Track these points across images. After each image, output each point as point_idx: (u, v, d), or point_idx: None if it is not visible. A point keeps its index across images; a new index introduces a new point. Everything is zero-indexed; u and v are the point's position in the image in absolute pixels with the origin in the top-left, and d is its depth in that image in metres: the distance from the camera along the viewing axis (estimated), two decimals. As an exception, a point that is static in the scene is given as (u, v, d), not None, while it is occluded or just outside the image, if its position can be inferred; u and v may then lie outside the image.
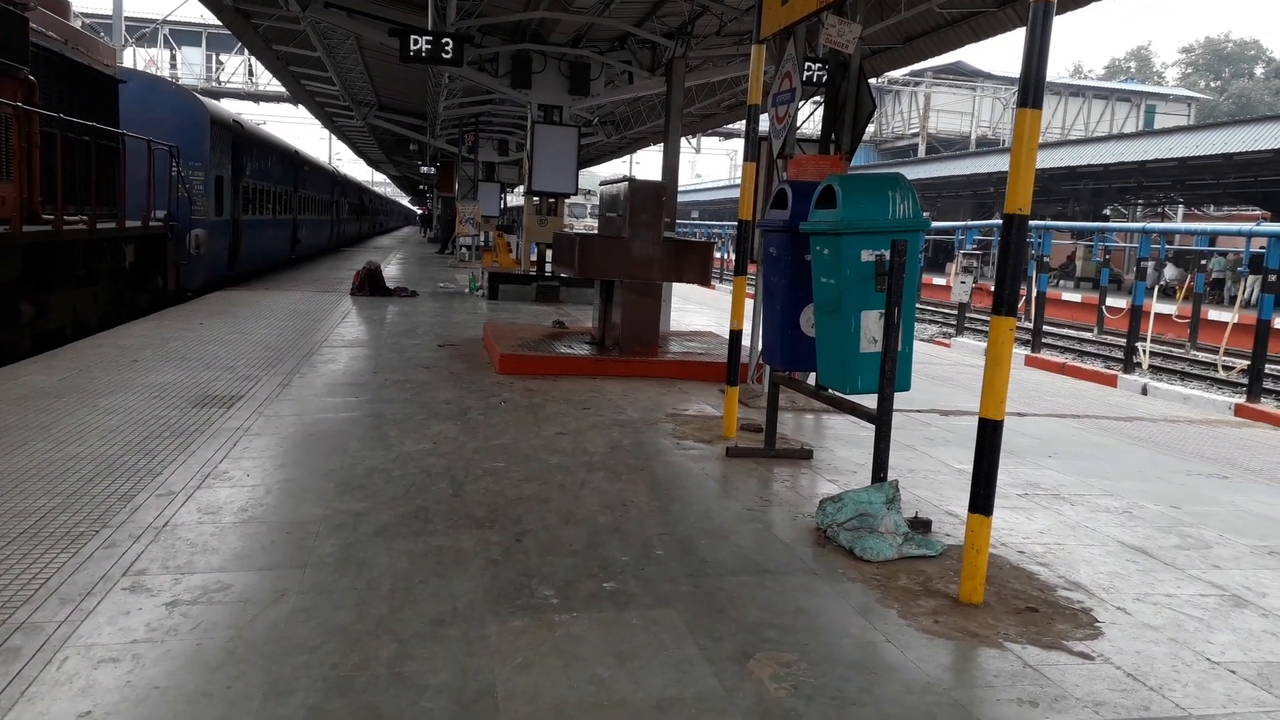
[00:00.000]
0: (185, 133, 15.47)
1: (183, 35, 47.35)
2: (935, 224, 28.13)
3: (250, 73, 46.38)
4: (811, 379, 6.25)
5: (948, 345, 17.27)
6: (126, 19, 36.56)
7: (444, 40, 12.21)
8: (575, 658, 3.18)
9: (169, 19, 43.44)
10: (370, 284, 16.38)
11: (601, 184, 11.42)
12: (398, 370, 8.71)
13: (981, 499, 3.74)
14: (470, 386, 8.04)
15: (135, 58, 41.85)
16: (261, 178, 20.48)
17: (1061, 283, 35.46)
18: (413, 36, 12.17)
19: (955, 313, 22.23)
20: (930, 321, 27.39)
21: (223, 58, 47.96)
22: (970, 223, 29.02)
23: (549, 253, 16.60)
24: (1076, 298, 28.99)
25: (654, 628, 3.45)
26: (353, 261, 20.88)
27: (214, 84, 47.51)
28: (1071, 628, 3.70)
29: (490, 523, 4.51)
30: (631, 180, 9.59)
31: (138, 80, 15.49)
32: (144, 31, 42.99)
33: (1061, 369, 14.35)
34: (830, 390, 5.31)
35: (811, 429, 7.24)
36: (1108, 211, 41.97)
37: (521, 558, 4.07)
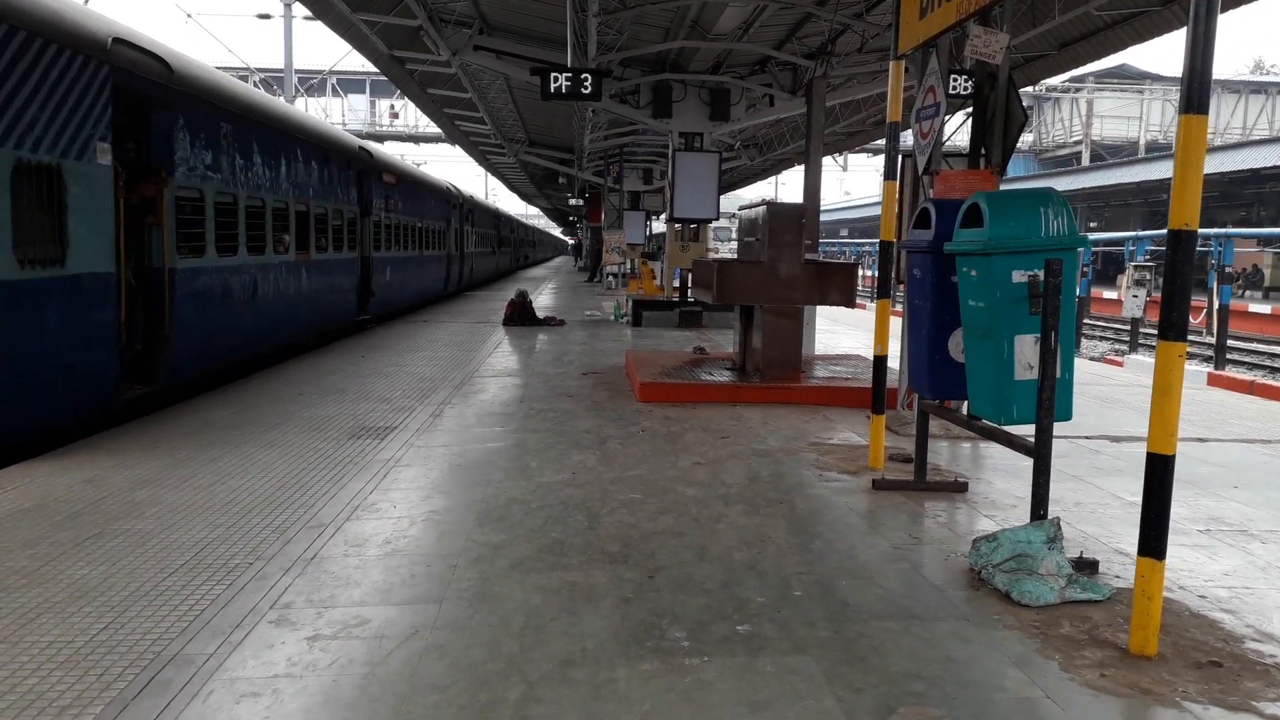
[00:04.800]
0: None
1: (348, 84, 50.44)
2: (1104, 235, 26.54)
3: (394, 115, 48.86)
4: (964, 407, 5.91)
5: (1120, 364, 16.15)
6: (297, 71, 39.22)
7: (583, 76, 12.43)
8: (705, 706, 3.05)
9: (335, 69, 46.33)
10: (521, 314, 16.80)
11: (740, 209, 11.30)
12: (543, 399, 8.84)
13: (1153, 542, 3.39)
14: (610, 415, 8.06)
15: (307, 107, 44.80)
16: (401, 212, 19.46)
17: (1248, 293, 32.73)
18: (553, 74, 12.44)
19: (1127, 329, 20.83)
20: (1100, 338, 25.77)
21: (383, 103, 50.74)
22: (1141, 233, 27.21)
23: (690, 278, 16.59)
24: (1265, 309, 26.64)
25: (789, 676, 3.28)
26: (507, 292, 21.49)
27: (377, 128, 50.35)
28: (1262, 686, 3.29)
29: (624, 558, 4.44)
30: (769, 203, 9.45)
31: None
32: (313, 82, 46.02)
33: (1249, 388, 13.15)
34: (984, 420, 4.98)
35: (968, 458, 6.85)
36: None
37: (654, 595, 3.98)
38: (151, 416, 7.92)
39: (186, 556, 4.41)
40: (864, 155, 56.81)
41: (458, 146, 35.81)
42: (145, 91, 8.34)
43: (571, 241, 78.71)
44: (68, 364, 7.00)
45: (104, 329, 7.48)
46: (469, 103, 23.22)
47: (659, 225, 36.41)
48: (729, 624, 3.70)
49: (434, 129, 43.54)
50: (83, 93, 7.15)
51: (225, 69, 18.38)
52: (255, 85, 14.81)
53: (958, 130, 20.30)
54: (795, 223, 9.31)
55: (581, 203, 39.62)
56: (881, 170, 6.38)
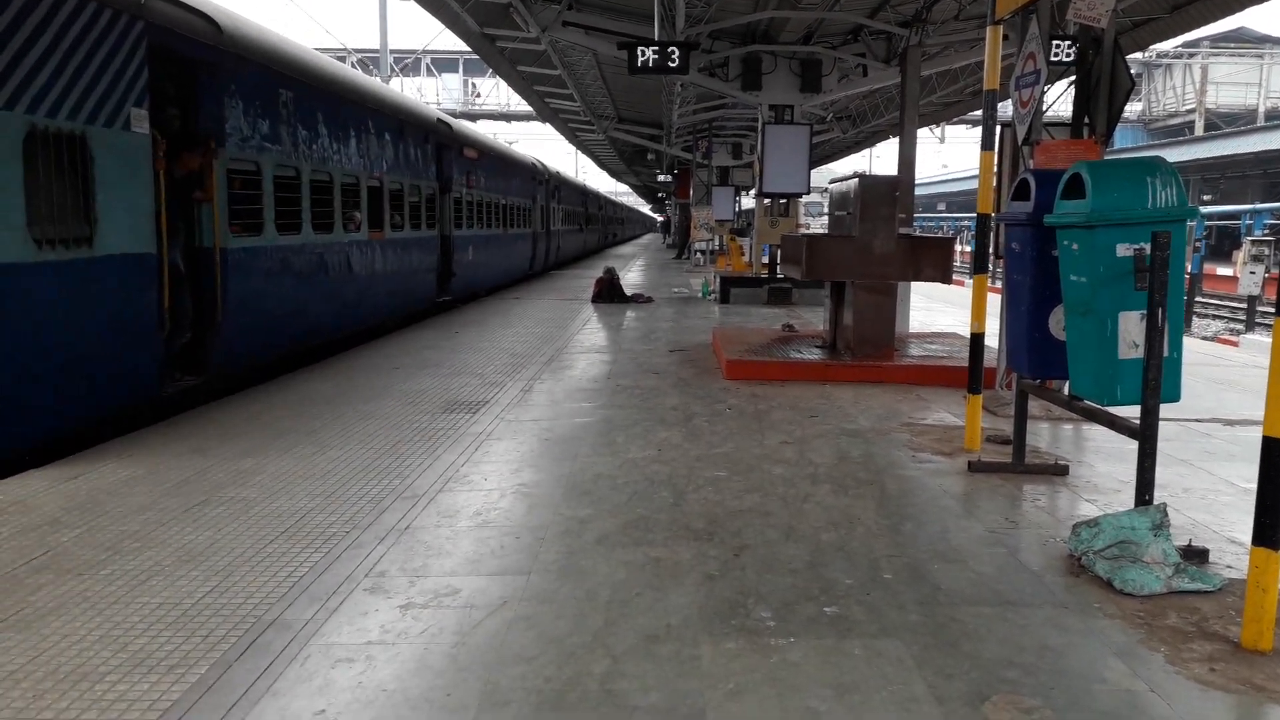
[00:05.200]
0: None
1: (442, 64, 51.16)
2: (1219, 208, 25.20)
3: (475, 93, 49.30)
4: (1065, 387, 5.69)
5: (1235, 344, 15.36)
6: (392, 51, 39.97)
7: (670, 49, 12.32)
8: (791, 687, 3.02)
9: (429, 49, 47.06)
10: (609, 291, 16.87)
11: (831, 182, 11.09)
12: (630, 376, 8.86)
13: (1268, 530, 3.20)
14: (697, 392, 8.03)
15: (402, 86, 45.66)
16: (483, 188, 18.48)
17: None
18: (640, 48, 12.37)
19: (1244, 307, 19.78)
20: (1214, 317, 24.55)
21: (475, 82, 51.33)
22: (1260, 205, 25.74)
23: (779, 254, 16.38)
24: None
25: (878, 659, 3.22)
26: (595, 271, 21.61)
27: (470, 107, 51.02)
28: (1393, 689, 3.09)
29: (709, 535, 4.43)
30: (862, 176, 9.24)
31: None
32: (407, 62, 46.84)
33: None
34: (1086, 401, 4.79)
35: (1068, 441, 6.61)
36: None
37: (739, 574, 3.96)
38: (260, 388, 8.23)
39: (287, 524, 4.57)
40: (962, 127, 55.08)
41: (548, 124, 36.05)
42: (189, 53, 7.57)
43: (660, 218, 78.63)
44: (97, 355, 6.34)
45: (142, 316, 6.81)
46: (558, 79, 23.29)
47: (748, 201, 36.02)
48: (816, 605, 3.66)
49: (525, 107, 43.89)
50: (111, 52, 6.38)
51: (324, 50, 18.68)
52: (353, 66, 14.86)
53: (1059, 99, 19.50)
54: (889, 196, 9.09)
55: (670, 179, 39.49)
56: (980, 142, 6.16)
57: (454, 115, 24.19)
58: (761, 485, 5.26)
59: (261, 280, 8.70)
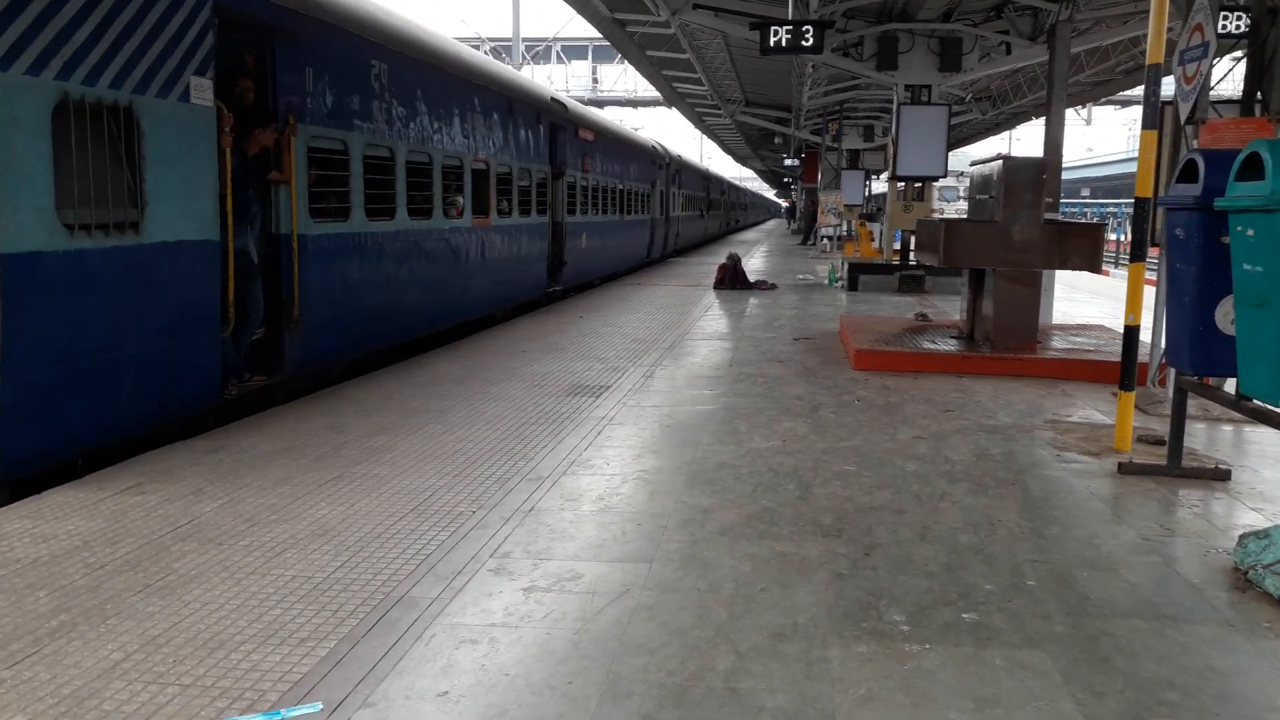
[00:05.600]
0: None
1: (572, 50, 51.72)
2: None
3: (595, 79, 49.46)
4: (1230, 385, 5.25)
5: None
6: (524, 39, 40.64)
7: (804, 28, 12.02)
8: (926, 697, 2.86)
9: (559, 36, 47.62)
10: (732, 277, 16.69)
11: (972, 164, 10.61)
12: (752, 364, 8.70)
13: None
14: (823, 382, 7.81)
15: (533, 74, 46.41)
16: (600, 172, 17.52)
17: None
18: (773, 28, 12.11)
19: None
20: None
21: (604, 68, 51.69)
22: None
23: (912, 240, 15.82)
24: None
25: (1021, 672, 3.01)
26: (716, 257, 21.41)
27: (598, 93, 51.42)
28: None
29: (837, 532, 4.26)
30: (1006, 158, 8.78)
31: None
32: (538, 49, 47.54)
33: None
34: (1255, 401, 4.39)
35: (1229, 443, 6.11)
36: None
37: (870, 574, 3.79)
38: (391, 368, 8.46)
39: (416, 502, 4.65)
40: (1109, 108, 52.19)
41: (675, 109, 35.97)
42: (265, 17, 6.80)
43: (784, 204, 77.58)
44: (144, 356, 5.62)
45: (200, 311, 6.08)
46: (686, 63, 23.16)
47: (877, 185, 35.08)
48: (953, 610, 3.46)
49: (651, 93, 43.93)
50: (167, 13, 5.67)
51: (461, 39, 18.96)
52: (486, 54, 14.89)
53: (1227, 75, 18.13)
54: (1034, 180, 8.63)
55: (797, 163, 38.82)
56: (1130, 124, 5.75)
57: (582, 102, 24.31)
58: (893, 481, 5.04)
59: (346, 271, 7.96)
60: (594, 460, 5.47)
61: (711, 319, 12.30)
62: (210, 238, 6.13)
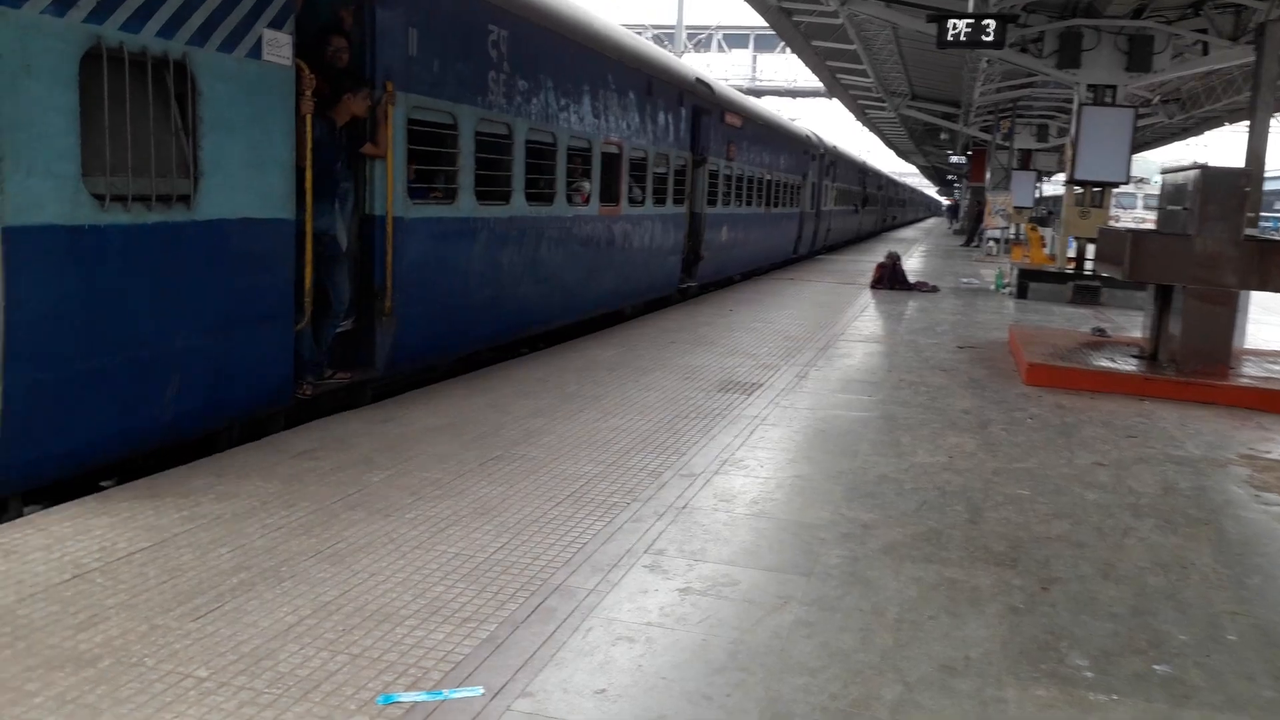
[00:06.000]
0: None
1: (733, 39, 51.42)
2: None
3: (754, 70, 48.83)
4: None
5: None
6: (687, 28, 40.64)
7: (984, 22, 11.47)
8: (1116, 755, 2.63)
9: (721, 25, 47.42)
10: (890, 277, 16.17)
11: (1163, 172, 9.87)
12: (913, 371, 8.38)
13: None
14: (991, 396, 7.43)
15: (692, 61, 46.38)
16: (746, 161, 16.34)
17: None
18: (951, 21, 11.60)
19: None
20: None
21: (762, 58, 51.16)
22: None
23: (1089, 249, 14.90)
24: None
25: (1225, 739, 2.74)
26: (873, 253, 20.76)
27: (756, 83, 50.93)
28: None
29: (1011, 561, 4.01)
30: (1204, 168, 8.11)
31: None
32: (700, 38, 47.47)
33: None
34: None
35: None
36: None
37: (1048, 611, 3.54)
38: (547, 351, 8.59)
39: (572, 488, 4.66)
40: (1317, 114, 47.89)
41: (836, 100, 35.20)
42: None
43: (946, 202, 74.91)
44: (191, 349, 4.85)
45: (267, 299, 5.36)
46: (852, 54, 22.55)
47: (1049, 188, 33.37)
48: (1142, 660, 3.18)
49: (810, 83, 43.14)
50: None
51: (629, 26, 18.90)
52: (648, 40, 14.71)
53: None
54: (1235, 191, 7.94)
55: (963, 160, 37.35)
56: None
57: (740, 90, 23.97)
58: (1072, 511, 4.72)
59: (449, 260, 7.16)
60: (747, 461, 5.36)
61: (868, 320, 11.95)
62: (281, 216, 5.37)
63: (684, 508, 4.50)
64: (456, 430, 5.62)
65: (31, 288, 3.99)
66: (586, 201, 9.58)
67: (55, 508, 4.10)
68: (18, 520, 3.96)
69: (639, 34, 14.83)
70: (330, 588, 3.43)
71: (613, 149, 10.06)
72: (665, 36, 41.21)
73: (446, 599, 3.39)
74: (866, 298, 14.64)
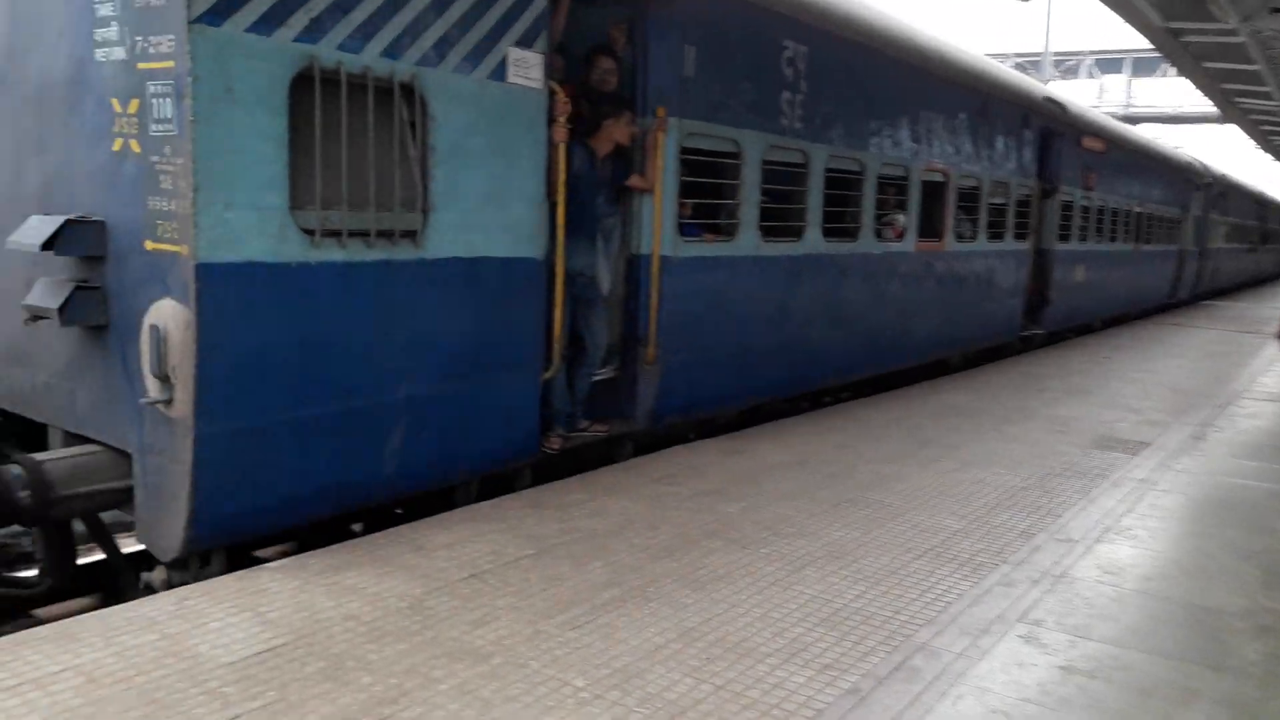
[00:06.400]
0: None
1: (1106, 64, 47.32)
2: None
3: (1128, 95, 44.08)
4: None
5: None
6: (1053, 54, 38.09)
7: None
8: None
9: (1093, 50, 43.86)
10: (1303, 327, 13.88)
11: None
12: (1342, 440, 7.09)
13: None
14: None
15: (1064, 90, 43.28)
16: (1108, 190, 14.58)
17: None
18: None
19: None
20: None
21: (1137, 82, 46.56)
22: None
23: None
24: None
25: None
26: (1273, 300, 17.94)
27: (1130, 109, 46.41)
28: None
29: None
30: None
31: None
32: (1068, 64, 44.22)
33: None
34: None
35: None
36: None
37: None
38: (899, 392, 8.29)
39: (931, 541, 4.42)
40: None
41: (1232, 124, 31.12)
42: None
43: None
44: (417, 398, 4.43)
45: (509, 346, 4.89)
46: (1253, 75, 19.78)
47: None
48: None
49: (1196, 109, 38.49)
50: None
51: (992, 55, 17.89)
52: (1011, 68, 13.63)
53: None
54: None
55: (1401, 193, 31.36)
56: None
57: (1116, 118, 21.78)
58: None
59: (724, 304, 6.46)
60: (1135, 530, 4.78)
61: (1277, 376, 10.32)
62: (527, 255, 4.90)
63: (1061, 576, 4.09)
64: (806, 468, 5.57)
65: (228, 332, 3.68)
66: (900, 236, 8.56)
67: (458, 510, 4.57)
68: (429, 519, 4.44)
69: (1001, 62, 13.89)
70: (693, 614, 3.49)
71: (936, 177, 9.02)
72: (1029, 64, 38.86)
73: (806, 641, 3.32)
74: (1273, 350, 12.67)
